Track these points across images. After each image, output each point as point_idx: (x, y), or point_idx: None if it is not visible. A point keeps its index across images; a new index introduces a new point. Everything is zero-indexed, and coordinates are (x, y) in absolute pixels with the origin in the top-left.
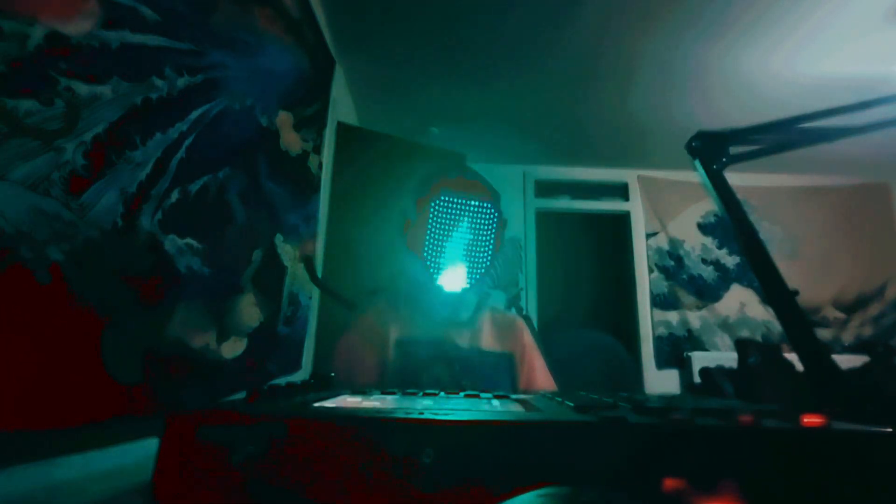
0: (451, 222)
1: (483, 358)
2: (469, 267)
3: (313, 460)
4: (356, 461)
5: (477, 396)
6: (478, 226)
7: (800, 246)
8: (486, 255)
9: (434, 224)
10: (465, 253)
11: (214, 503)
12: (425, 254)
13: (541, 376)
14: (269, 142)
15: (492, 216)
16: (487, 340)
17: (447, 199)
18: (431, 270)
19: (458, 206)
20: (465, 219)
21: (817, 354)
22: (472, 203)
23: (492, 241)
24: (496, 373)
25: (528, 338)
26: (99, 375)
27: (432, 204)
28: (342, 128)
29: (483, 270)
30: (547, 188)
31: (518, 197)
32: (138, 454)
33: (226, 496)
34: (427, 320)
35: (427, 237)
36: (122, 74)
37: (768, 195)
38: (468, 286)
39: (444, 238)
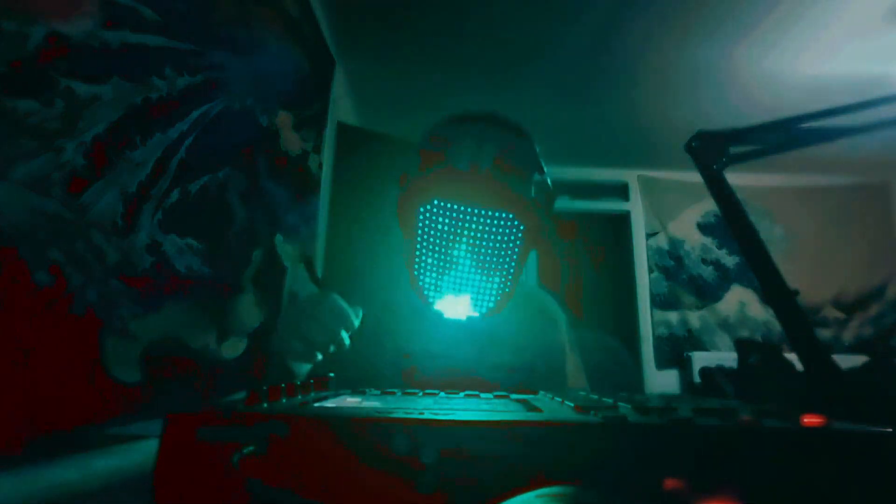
0: (448, 237)
1: (498, 375)
2: (479, 292)
3: (313, 460)
4: (356, 461)
5: (477, 396)
6: (490, 242)
7: (800, 246)
8: (503, 276)
9: (425, 238)
10: (473, 275)
11: (214, 503)
12: (417, 274)
13: (572, 382)
14: (269, 142)
15: (511, 229)
16: (510, 348)
17: (440, 204)
18: (426, 293)
19: (458, 216)
20: (470, 232)
21: (817, 354)
22: (481, 212)
23: (514, 260)
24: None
25: (562, 335)
26: (99, 375)
27: (420, 209)
28: (342, 128)
29: (499, 297)
30: None
31: None
32: (138, 454)
33: (226, 496)
34: (435, 328)
35: (417, 251)
36: (122, 74)
37: (768, 195)
38: (478, 315)
39: (442, 256)
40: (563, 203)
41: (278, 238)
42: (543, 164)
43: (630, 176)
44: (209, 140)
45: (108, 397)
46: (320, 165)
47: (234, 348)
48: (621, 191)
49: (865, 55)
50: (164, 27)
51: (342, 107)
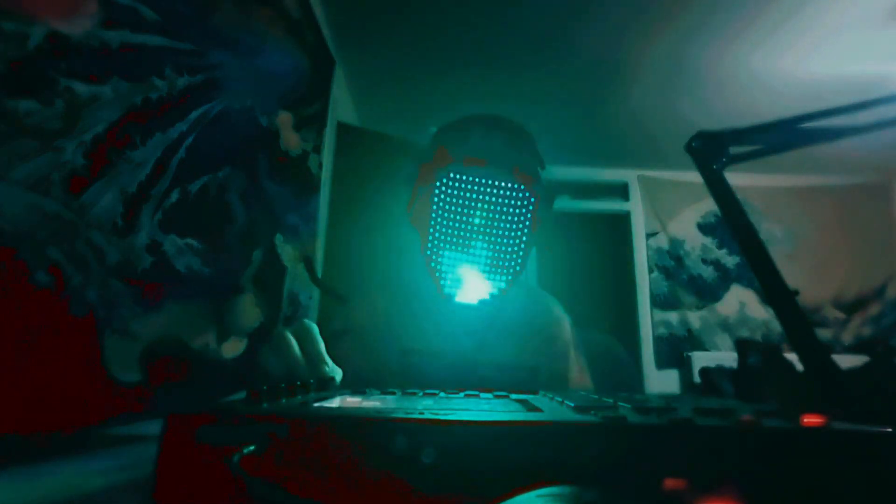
0: (464, 211)
1: (503, 374)
2: (490, 272)
3: (313, 460)
4: (356, 461)
5: (477, 396)
6: (503, 215)
7: (800, 246)
8: (514, 253)
9: (440, 214)
10: (485, 252)
11: (214, 503)
12: (429, 254)
13: (576, 384)
14: (269, 142)
15: (522, 201)
16: (513, 347)
17: (457, 177)
18: (437, 275)
19: (473, 189)
20: (484, 205)
21: (817, 354)
22: (494, 183)
23: (524, 236)
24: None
25: (566, 336)
26: (99, 376)
27: (437, 183)
28: (342, 128)
29: (510, 275)
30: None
31: None
32: (138, 454)
33: (225, 496)
34: (437, 325)
35: (431, 231)
36: (122, 74)
37: (768, 195)
38: (488, 298)
39: (456, 233)
40: (563, 203)
41: (278, 238)
42: (544, 162)
43: (630, 176)
44: (209, 140)
45: (108, 397)
46: (320, 165)
47: (234, 348)
48: (621, 191)
49: (866, 55)
50: (164, 27)
51: (342, 107)
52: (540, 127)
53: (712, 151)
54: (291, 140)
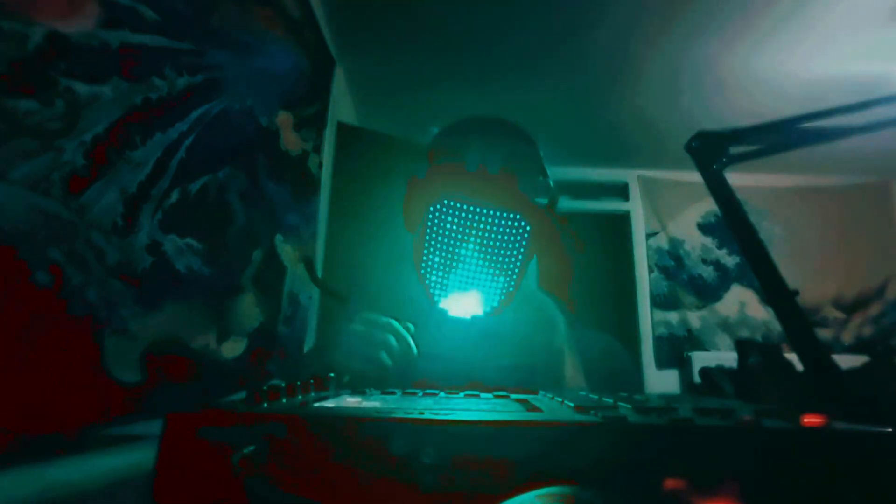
0: (455, 235)
1: (500, 375)
2: (484, 290)
3: (313, 460)
4: (356, 461)
5: (477, 396)
6: (496, 240)
7: (800, 246)
8: (508, 275)
9: (432, 235)
10: (479, 274)
11: (214, 503)
12: (422, 271)
13: (570, 384)
14: (269, 142)
15: (518, 229)
16: (511, 349)
17: (450, 203)
18: (433, 292)
19: (466, 213)
20: (476, 230)
21: (817, 354)
22: (490, 213)
23: (519, 259)
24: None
25: (561, 335)
26: (99, 376)
27: (430, 208)
28: (342, 128)
29: (504, 295)
30: None
31: None
32: (138, 454)
33: (225, 496)
34: (436, 329)
35: (424, 250)
36: (122, 74)
37: (768, 195)
38: (482, 315)
39: (449, 254)
40: (563, 203)
41: (278, 238)
42: (547, 168)
43: (630, 176)
44: (209, 140)
45: (108, 397)
46: (320, 165)
47: (234, 348)
48: (621, 191)
49: (867, 55)
50: (164, 27)
51: (342, 107)
52: (540, 127)
53: (712, 151)
54: (291, 140)
